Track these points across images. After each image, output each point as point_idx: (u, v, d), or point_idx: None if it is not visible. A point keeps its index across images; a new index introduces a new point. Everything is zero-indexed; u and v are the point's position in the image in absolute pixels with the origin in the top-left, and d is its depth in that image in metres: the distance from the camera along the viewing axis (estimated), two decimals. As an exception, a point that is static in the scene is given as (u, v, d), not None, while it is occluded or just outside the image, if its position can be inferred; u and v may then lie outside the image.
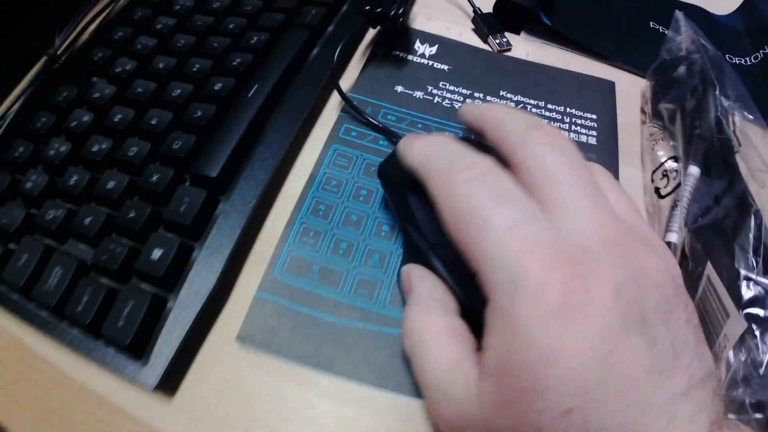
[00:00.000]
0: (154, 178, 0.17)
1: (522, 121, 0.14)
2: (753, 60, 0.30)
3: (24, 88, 0.23)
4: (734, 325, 0.14)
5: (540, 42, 0.25)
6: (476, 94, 0.22)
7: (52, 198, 0.18)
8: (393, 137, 0.20)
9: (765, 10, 0.31)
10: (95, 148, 0.19)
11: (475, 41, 0.25)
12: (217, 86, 0.20)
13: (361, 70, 0.23)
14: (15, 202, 0.18)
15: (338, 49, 0.21)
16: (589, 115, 0.22)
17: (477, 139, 0.16)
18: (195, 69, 0.21)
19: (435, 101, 0.22)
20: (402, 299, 0.17)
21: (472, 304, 0.13)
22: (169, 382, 0.15)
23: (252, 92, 0.20)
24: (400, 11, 0.21)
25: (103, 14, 0.24)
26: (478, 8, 0.25)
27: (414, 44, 0.24)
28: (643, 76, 0.24)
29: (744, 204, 0.16)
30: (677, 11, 0.26)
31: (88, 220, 0.17)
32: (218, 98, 0.20)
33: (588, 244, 0.11)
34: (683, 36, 0.24)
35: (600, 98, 0.23)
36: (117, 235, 0.17)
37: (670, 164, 0.20)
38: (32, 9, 0.24)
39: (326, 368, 0.16)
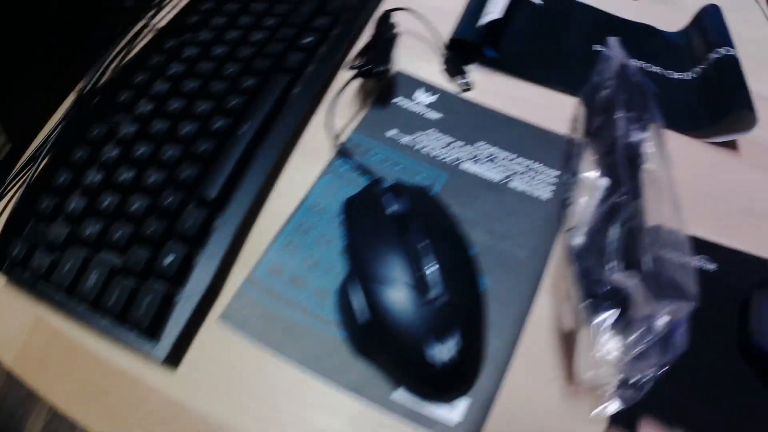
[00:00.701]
0: (168, 200, 0.23)
1: None
2: (693, 75, 0.32)
3: (59, 122, 0.28)
4: (595, 315, 0.17)
5: (492, 73, 0.29)
6: (457, 143, 0.26)
7: (90, 216, 0.24)
8: (370, 175, 0.24)
9: (709, 27, 0.33)
10: (122, 177, 0.24)
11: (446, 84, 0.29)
12: (218, 124, 0.26)
13: (365, 116, 0.27)
14: (60, 220, 0.24)
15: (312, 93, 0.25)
16: (551, 171, 0.25)
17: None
18: (200, 110, 0.26)
19: (419, 147, 0.26)
20: (339, 304, 0.21)
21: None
22: (175, 357, 0.21)
23: (244, 129, 0.25)
24: (382, 69, 0.26)
25: (122, 55, 0.30)
26: (448, 52, 0.30)
27: (415, 92, 0.28)
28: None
29: (615, 213, 0.19)
30: (610, 38, 0.29)
31: (117, 234, 0.23)
32: (218, 134, 0.25)
33: None
34: (614, 61, 0.27)
35: (557, 155, 0.25)
36: (139, 245, 0.23)
37: (588, 174, 0.24)
38: (63, 48, 0.30)
39: (280, 351, 0.20)
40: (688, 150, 0.29)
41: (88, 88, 0.29)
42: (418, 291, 0.18)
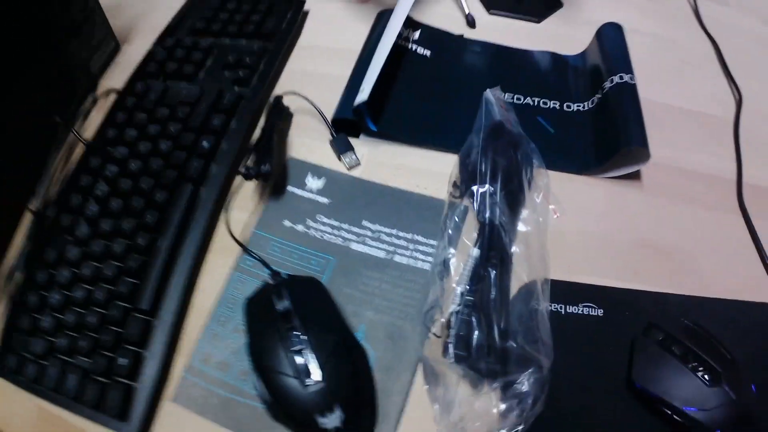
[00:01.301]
0: (113, 313, 0.32)
1: None
2: (590, 105, 0.37)
3: (24, 244, 0.37)
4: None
5: (378, 143, 0.37)
6: (344, 225, 0.33)
7: (59, 330, 0.32)
8: (269, 269, 0.32)
9: (608, 49, 0.37)
10: (77, 295, 0.33)
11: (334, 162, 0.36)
12: (141, 240, 0.34)
13: (264, 208, 0.35)
14: (37, 335, 0.32)
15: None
16: (430, 242, 0.32)
17: None
18: (127, 228, 0.34)
19: (310, 234, 0.33)
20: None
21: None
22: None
23: (163, 241, 0.34)
24: (268, 170, 0.33)
25: (60, 172, 0.39)
26: (333, 131, 0.37)
27: (305, 177, 0.36)
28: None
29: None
30: (488, 91, 0.34)
31: (83, 344, 0.31)
32: (143, 249, 0.34)
33: None
34: (486, 117, 0.32)
35: (437, 222, 0.32)
36: (99, 352, 0.31)
37: (462, 240, 0.31)
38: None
39: (220, 423, 0.28)
40: (584, 189, 0.35)
41: (40, 208, 0.39)
42: (299, 380, 0.26)
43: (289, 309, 0.29)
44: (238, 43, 0.45)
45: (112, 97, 0.43)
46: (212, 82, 0.42)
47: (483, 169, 0.30)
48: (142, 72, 0.43)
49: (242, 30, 0.45)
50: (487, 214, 0.29)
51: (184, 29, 0.47)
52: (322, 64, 0.44)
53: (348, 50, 0.45)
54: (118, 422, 0.30)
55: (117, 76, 0.46)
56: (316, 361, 0.27)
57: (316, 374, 0.26)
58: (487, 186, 0.29)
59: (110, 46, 0.49)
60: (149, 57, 0.44)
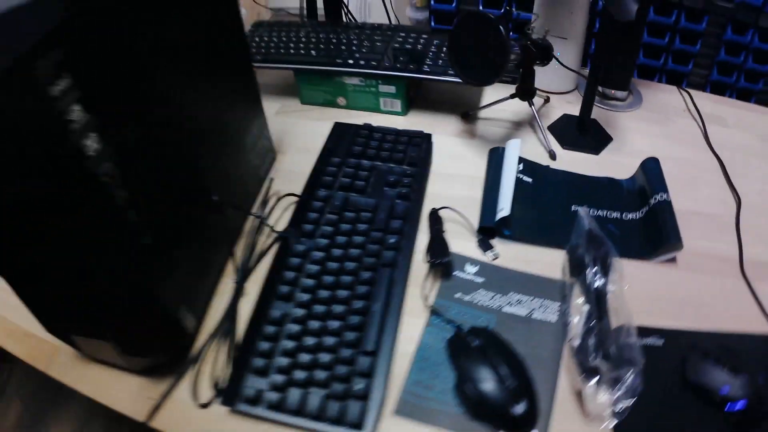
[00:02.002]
0: (345, 354, 0.51)
1: None
2: (641, 215, 0.68)
3: (225, 310, 0.61)
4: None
5: (510, 243, 0.62)
6: (496, 295, 0.56)
7: (294, 368, 0.52)
8: (454, 324, 0.54)
9: (650, 176, 0.69)
10: (309, 343, 0.52)
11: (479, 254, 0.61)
12: (358, 305, 0.54)
13: (440, 285, 0.57)
14: (271, 373, 0.52)
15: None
16: (555, 304, 0.55)
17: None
18: (343, 295, 0.55)
19: (474, 301, 0.56)
20: (456, 395, 0.51)
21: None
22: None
23: (375, 306, 0.55)
24: (446, 260, 0.58)
25: (251, 253, 0.65)
26: (479, 235, 0.63)
27: (465, 265, 0.59)
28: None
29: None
30: (579, 209, 0.64)
31: (320, 376, 0.50)
32: (360, 311, 0.54)
33: None
34: (584, 224, 0.60)
35: (558, 292, 0.57)
36: (335, 380, 0.50)
37: (577, 301, 0.57)
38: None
39: (429, 424, 0.48)
40: (642, 269, 0.60)
41: (240, 280, 0.64)
42: (501, 383, 0.46)
43: (481, 343, 0.50)
44: (391, 167, 0.70)
45: (291, 199, 0.68)
46: (378, 195, 0.66)
47: (586, 260, 0.54)
48: (317, 182, 0.68)
49: (392, 157, 0.70)
50: (594, 286, 0.56)
51: (341, 152, 0.72)
52: (451, 186, 0.71)
53: (467, 176, 0.71)
54: (356, 431, 0.49)
55: (281, 181, 0.72)
56: (507, 369, 0.48)
57: (509, 380, 0.47)
58: (589, 269, 0.57)
59: (271, 156, 0.76)
60: (320, 171, 0.69)
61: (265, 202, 0.70)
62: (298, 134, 0.83)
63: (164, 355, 0.57)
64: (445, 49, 0.79)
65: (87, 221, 0.43)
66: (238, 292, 0.60)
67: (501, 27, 0.61)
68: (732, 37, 1.27)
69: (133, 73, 0.47)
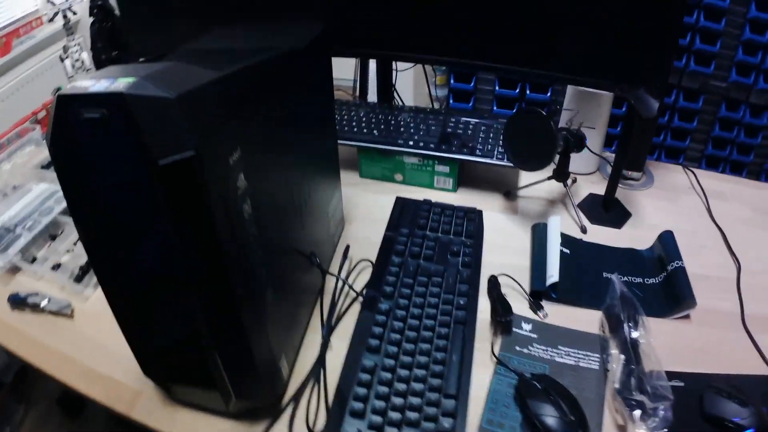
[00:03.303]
0: (431, 396, 0.67)
1: None
2: (660, 279, 0.86)
3: (315, 360, 0.76)
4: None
5: (557, 304, 0.79)
6: (548, 348, 0.73)
7: (389, 411, 0.67)
8: (516, 372, 0.70)
9: (666, 246, 0.88)
10: (399, 388, 0.68)
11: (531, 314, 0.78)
12: (439, 356, 0.70)
13: (503, 340, 0.74)
14: (368, 415, 0.67)
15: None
16: (594, 355, 0.73)
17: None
18: (424, 348, 0.72)
19: (532, 353, 0.72)
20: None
21: None
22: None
23: (454, 357, 0.71)
24: (510, 319, 0.74)
25: (337, 313, 0.82)
26: (530, 299, 0.80)
27: (521, 323, 0.76)
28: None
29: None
30: (612, 277, 0.82)
31: (412, 416, 0.66)
32: (441, 362, 0.69)
33: None
34: (616, 288, 0.78)
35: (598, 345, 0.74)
36: (425, 419, 0.66)
37: (614, 352, 0.76)
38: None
39: None
40: (662, 325, 0.77)
41: (327, 334, 0.81)
42: (563, 417, 0.62)
43: (544, 386, 0.67)
44: (451, 238, 0.87)
45: (364, 264, 0.86)
46: (444, 262, 0.83)
47: (622, 317, 0.74)
48: (390, 249, 0.85)
49: (452, 230, 0.88)
50: (630, 337, 0.74)
51: (406, 223, 0.89)
52: (501, 255, 0.88)
53: (513, 247, 0.88)
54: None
55: (353, 248, 0.87)
56: (567, 406, 0.64)
57: (568, 415, 0.63)
58: (625, 325, 0.75)
59: (342, 225, 0.93)
60: (392, 239, 0.86)
61: (341, 266, 0.86)
62: (360, 205, 1.00)
63: (264, 401, 0.65)
64: (491, 133, 0.98)
65: (236, 278, 0.48)
66: (325, 345, 0.75)
67: (551, 122, 0.80)
68: (726, 114, 1.48)
69: (271, 147, 0.58)
